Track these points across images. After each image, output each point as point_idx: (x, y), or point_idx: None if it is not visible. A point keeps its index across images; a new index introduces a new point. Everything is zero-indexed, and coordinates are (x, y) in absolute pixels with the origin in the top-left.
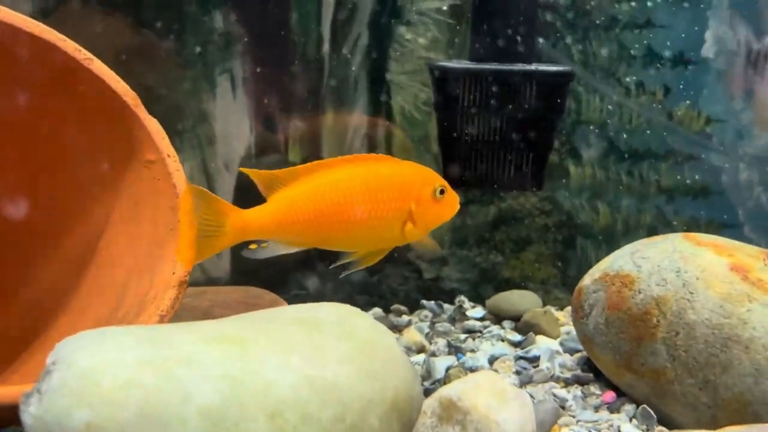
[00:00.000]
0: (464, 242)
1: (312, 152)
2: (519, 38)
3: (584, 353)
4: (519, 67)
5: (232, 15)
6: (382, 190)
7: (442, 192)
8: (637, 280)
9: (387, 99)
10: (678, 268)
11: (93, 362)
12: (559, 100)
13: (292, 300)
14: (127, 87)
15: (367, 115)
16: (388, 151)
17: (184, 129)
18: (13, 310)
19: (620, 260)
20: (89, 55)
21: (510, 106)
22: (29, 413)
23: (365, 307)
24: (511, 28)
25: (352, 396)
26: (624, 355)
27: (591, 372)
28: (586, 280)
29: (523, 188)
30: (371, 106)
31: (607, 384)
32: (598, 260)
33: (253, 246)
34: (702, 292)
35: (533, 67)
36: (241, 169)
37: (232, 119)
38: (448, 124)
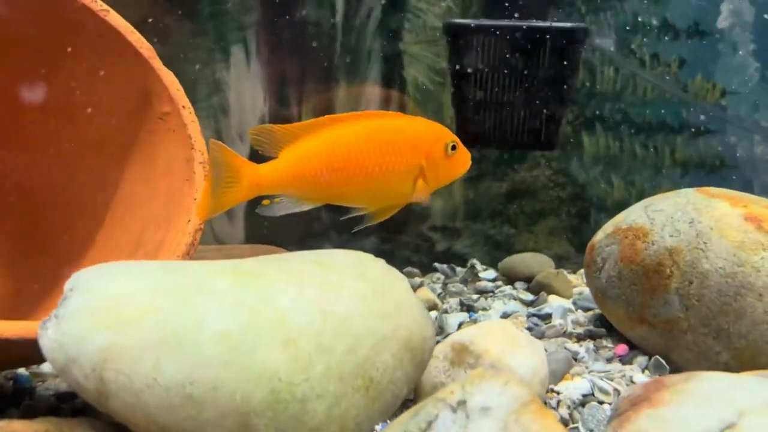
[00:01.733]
0: (477, 215)
1: None
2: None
3: (597, 311)
4: (534, 23)
5: None
6: (394, 146)
7: (453, 148)
8: (650, 232)
9: (400, 70)
10: (691, 218)
11: (111, 288)
12: (573, 57)
13: None
14: (143, 39)
15: (380, 85)
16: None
17: (198, 99)
18: (32, 265)
19: (633, 214)
20: (105, 6)
21: (524, 63)
22: (47, 336)
23: None
24: None
25: (366, 331)
26: (636, 307)
27: (603, 327)
28: (599, 235)
29: (536, 148)
30: (384, 76)
31: (620, 338)
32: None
33: (266, 201)
34: (715, 241)
35: (548, 23)
36: (251, 130)
37: (246, 89)
38: (463, 83)
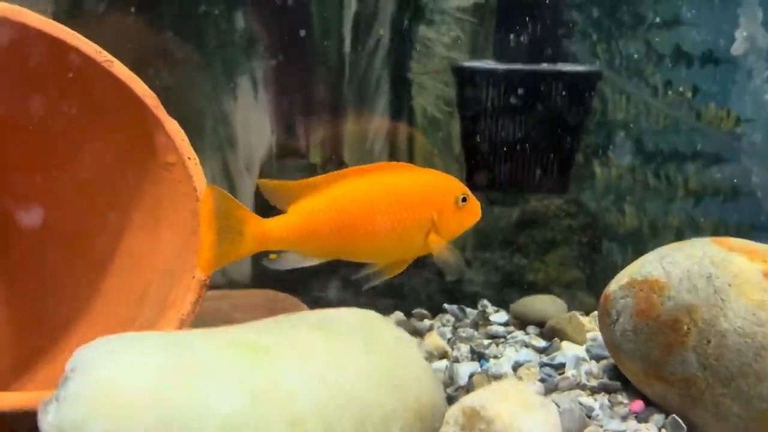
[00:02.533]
0: (488, 245)
1: (333, 153)
2: (544, 37)
3: (611, 360)
4: (544, 67)
5: (253, 16)
6: (404, 200)
7: (464, 200)
8: (666, 287)
9: (408, 99)
10: (709, 273)
11: (110, 370)
12: (585, 101)
13: (313, 303)
14: (147, 88)
15: (389, 115)
16: (409, 152)
17: (204, 130)
18: (35, 315)
19: (648, 265)
20: (109, 56)
21: (534, 108)
22: (47, 421)
23: (387, 310)
24: (536, 27)
25: (374, 405)
26: (653, 364)
27: (618, 380)
28: (613, 285)
29: (547, 192)
30: (392, 106)
31: (635, 393)
32: (624, 263)
33: (273, 256)
34: (734, 299)
35: (559, 67)
36: (260, 181)
37: (253, 120)
38: (471, 126)
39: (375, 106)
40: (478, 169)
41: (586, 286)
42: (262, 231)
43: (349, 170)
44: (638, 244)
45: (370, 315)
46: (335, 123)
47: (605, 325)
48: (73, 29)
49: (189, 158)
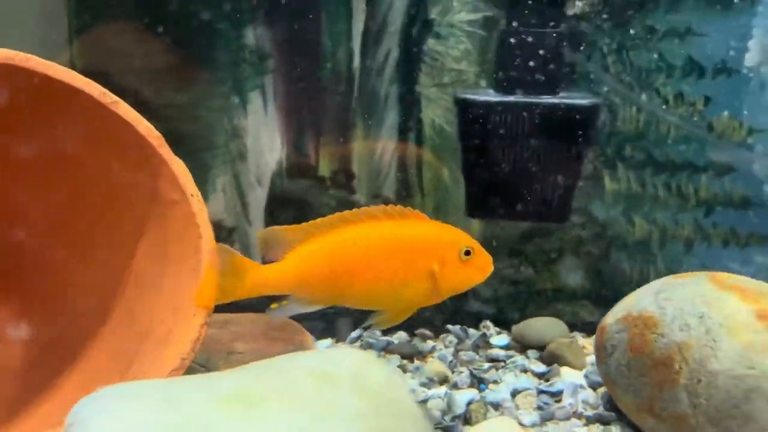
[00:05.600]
0: (495, 254)
1: (343, 167)
2: (544, 69)
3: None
4: (543, 98)
5: (264, 31)
6: (405, 250)
7: (468, 253)
8: (660, 324)
9: (417, 112)
10: (702, 313)
11: (107, 429)
12: (584, 133)
13: (316, 321)
14: (152, 128)
15: (398, 128)
16: (418, 165)
17: (216, 144)
18: (41, 348)
19: (644, 300)
20: (115, 98)
21: (533, 139)
22: None
23: (391, 329)
24: (536, 59)
25: None
26: (646, 399)
27: (613, 411)
28: (609, 318)
29: (546, 221)
30: (402, 119)
31: (629, 425)
32: (632, 274)
33: (274, 305)
34: (725, 340)
35: (558, 99)
36: (258, 232)
37: (264, 134)
38: (471, 156)
39: (384, 119)
40: (479, 197)
41: (595, 296)
42: (261, 277)
43: (351, 214)
44: (647, 255)
45: (364, 357)
46: (344, 136)
47: (601, 358)
48: (87, 49)
49: (192, 195)
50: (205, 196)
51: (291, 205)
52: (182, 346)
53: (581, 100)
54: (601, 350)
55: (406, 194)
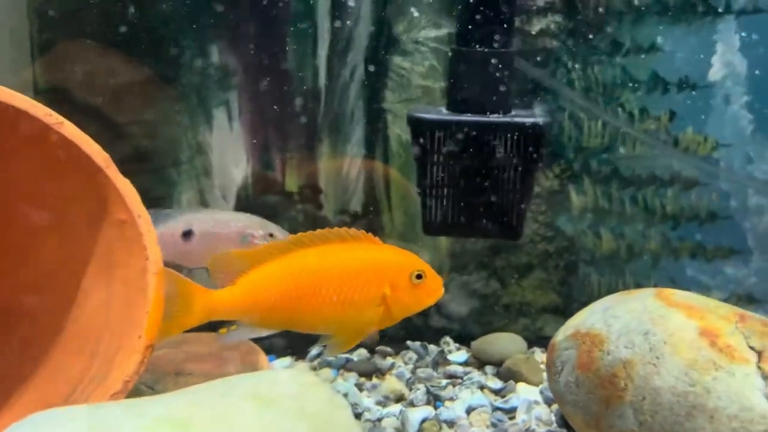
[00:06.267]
0: (464, 268)
1: (309, 182)
2: (495, 89)
3: None
4: (493, 117)
5: (228, 48)
6: (355, 274)
7: (419, 277)
8: (606, 341)
9: (384, 128)
10: (646, 330)
11: None
12: (534, 151)
13: (277, 338)
14: (99, 148)
15: (365, 144)
16: (385, 180)
17: (181, 161)
18: None
19: (593, 317)
20: (60, 118)
21: (484, 157)
22: None
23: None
24: (487, 79)
25: None
26: (593, 416)
27: (566, 427)
28: (560, 335)
29: (500, 238)
30: (368, 134)
31: None
32: (600, 288)
33: (223, 330)
34: (668, 358)
35: (508, 118)
36: (212, 256)
37: (229, 150)
38: (425, 174)
39: (351, 135)
40: (433, 215)
41: (563, 310)
42: (210, 303)
43: (303, 237)
44: (615, 268)
45: (306, 379)
46: (311, 152)
47: (551, 375)
48: (49, 67)
49: (140, 216)
50: None
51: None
52: (126, 369)
53: (531, 118)
54: (551, 367)
55: (373, 209)
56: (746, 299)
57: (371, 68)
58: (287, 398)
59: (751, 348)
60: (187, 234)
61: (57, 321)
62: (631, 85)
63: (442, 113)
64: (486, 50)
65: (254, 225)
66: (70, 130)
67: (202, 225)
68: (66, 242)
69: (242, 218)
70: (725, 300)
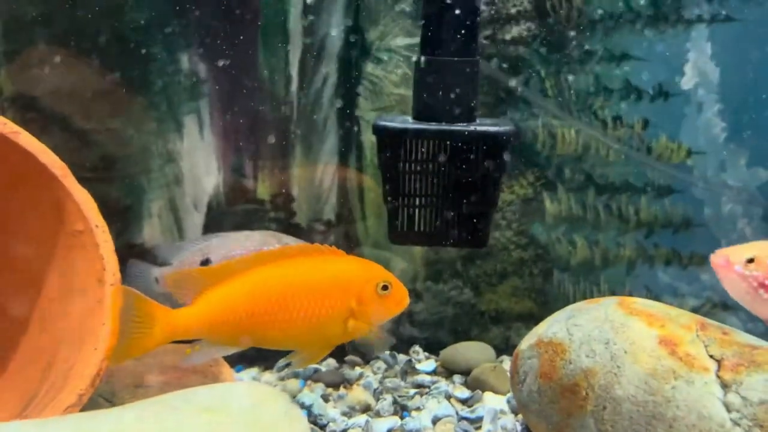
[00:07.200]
0: (438, 277)
1: (282, 190)
2: (460, 98)
3: None
4: (458, 126)
5: (199, 55)
6: (320, 289)
7: (385, 288)
8: (568, 350)
9: (357, 136)
10: (607, 339)
11: None
12: (498, 160)
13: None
14: (55, 158)
15: (338, 152)
16: (359, 187)
17: (151, 169)
18: None
19: (556, 325)
20: (16, 128)
21: (449, 166)
22: None
23: None
24: (452, 88)
25: None
26: (556, 426)
27: None
28: (524, 344)
29: (466, 246)
30: (341, 142)
31: None
32: (575, 295)
33: (188, 351)
34: (629, 367)
35: (473, 127)
36: (166, 275)
37: (200, 158)
38: (391, 183)
39: (323, 142)
40: (398, 224)
41: (538, 317)
42: (171, 322)
43: (266, 254)
44: (590, 275)
45: (263, 392)
46: (283, 160)
47: (515, 384)
48: (16, 74)
49: (97, 226)
50: (140, 222)
51: (229, 229)
52: (81, 382)
53: (495, 127)
54: (515, 376)
55: (347, 217)
56: (721, 306)
57: (344, 76)
58: (242, 411)
59: (711, 356)
60: (205, 263)
61: (13, 336)
62: (604, 92)
63: (408, 122)
64: (449, 59)
65: (269, 240)
66: (25, 139)
67: (218, 251)
68: (22, 254)
69: (256, 236)
70: (700, 307)
